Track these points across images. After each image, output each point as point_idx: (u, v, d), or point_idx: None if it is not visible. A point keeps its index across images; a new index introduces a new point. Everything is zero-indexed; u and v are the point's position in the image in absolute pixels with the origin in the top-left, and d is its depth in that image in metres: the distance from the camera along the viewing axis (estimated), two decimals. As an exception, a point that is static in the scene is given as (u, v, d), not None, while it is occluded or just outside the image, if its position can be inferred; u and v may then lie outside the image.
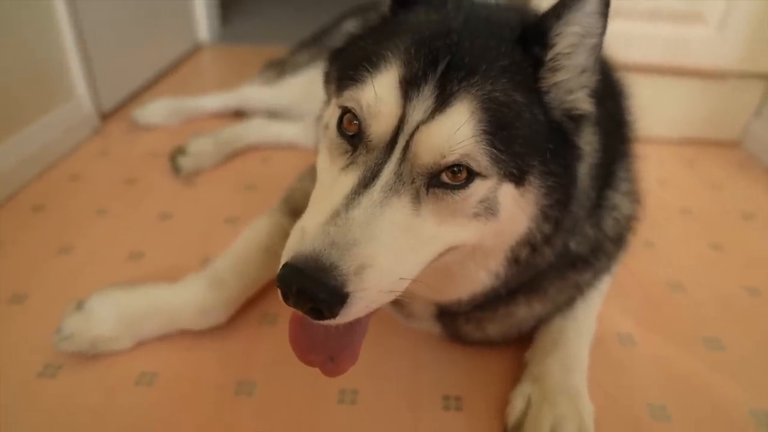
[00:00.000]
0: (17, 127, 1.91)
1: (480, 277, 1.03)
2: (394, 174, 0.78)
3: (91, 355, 1.25)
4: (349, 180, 0.79)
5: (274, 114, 2.33)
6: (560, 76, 0.88)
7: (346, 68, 0.90)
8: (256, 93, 2.41)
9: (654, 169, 2.21)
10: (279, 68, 2.41)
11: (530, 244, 0.98)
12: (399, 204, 0.78)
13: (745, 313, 1.51)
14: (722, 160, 2.38)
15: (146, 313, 1.28)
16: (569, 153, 0.92)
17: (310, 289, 0.69)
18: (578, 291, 1.27)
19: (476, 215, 0.85)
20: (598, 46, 0.87)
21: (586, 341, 1.27)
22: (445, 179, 0.80)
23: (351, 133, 0.84)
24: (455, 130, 0.77)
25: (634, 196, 1.28)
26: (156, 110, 2.40)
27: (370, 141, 0.82)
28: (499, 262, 1.00)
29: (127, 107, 2.55)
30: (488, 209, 0.85)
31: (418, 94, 0.79)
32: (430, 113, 0.78)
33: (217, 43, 3.69)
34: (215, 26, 3.76)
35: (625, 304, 1.50)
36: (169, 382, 1.22)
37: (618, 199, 1.21)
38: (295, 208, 1.45)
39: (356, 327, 0.83)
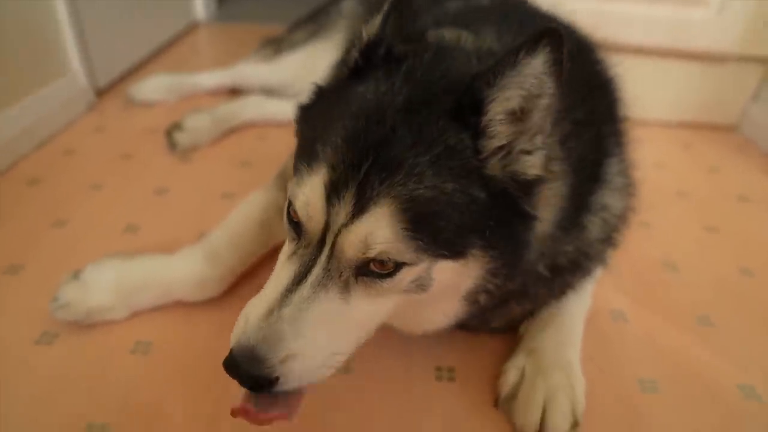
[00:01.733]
0: (10, 100, 1.89)
1: (440, 319, 1.07)
2: (323, 269, 0.84)
3: (87, 324, 1.26)
4: (288, 273, 0.86)
5: (270, 91, 2.32)
6: (498, 142, 0.84)
7: (298, 151, 0.95)
8: (252, 70, 2.39)
9: (650, 153, 2.21)
10: (276, 46, 2.39)
11: (484, 292, 0.99)
12: (326, 298, 0.84)
13: (738, 293, 1.52)
14: (719, 144, 2.38)
15: (142, 284, 1.28)
16: (517, 222, 0.89)
17: (243, 379, 0.83)
18: (569, 287, 1.25)
19: (406, 291, 0.88)
20: (552, 107, 0.82)
21: (580, 317, 1.28)
22: (374, 268, 0.84)
23: (296, 220, 0.89)
24: (371, 232, 0.80)
25: (629, 190, 1.24)
26: (152, 86, 2.38)
27: (306, 236, 0.87)
28: (455, 306, 1.02)
29: (122, 84, 2.53)
30: (420, 286, 0.88)
31: (339, 200, 0.81)
32: (350, 218, 0.81)
33: (213, 22, 3.66)
34: (212, 5, 3.73)
35: (618, 283, 1.52)
36: (163, 352, 1.23)
37: (608, 197, 1.17)
38: (288, 184, 1.45)
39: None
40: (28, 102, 1.95)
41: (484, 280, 0.94)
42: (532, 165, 0.86)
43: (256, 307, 0.85)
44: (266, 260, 1.45)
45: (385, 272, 0.83)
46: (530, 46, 0.75)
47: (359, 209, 0.80)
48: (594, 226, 1.15)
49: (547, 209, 0.97)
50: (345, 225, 0.81)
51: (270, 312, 0.83)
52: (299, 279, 0.84)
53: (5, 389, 1.14)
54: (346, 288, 0.85)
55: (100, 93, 2.41)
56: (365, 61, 0.95)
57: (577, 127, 1.03)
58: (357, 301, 0.86)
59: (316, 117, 0.96)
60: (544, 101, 0.81)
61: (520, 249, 0.92)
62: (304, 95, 1.03)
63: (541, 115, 0.82)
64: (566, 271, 1.17)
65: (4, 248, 1.50)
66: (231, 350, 0.83)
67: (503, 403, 1.14)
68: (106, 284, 1.26)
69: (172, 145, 1.99)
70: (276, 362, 0.81)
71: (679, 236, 1.76)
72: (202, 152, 2.04)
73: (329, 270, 0.84)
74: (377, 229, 0.79)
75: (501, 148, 0.84)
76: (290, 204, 0.89)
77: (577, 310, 1.28)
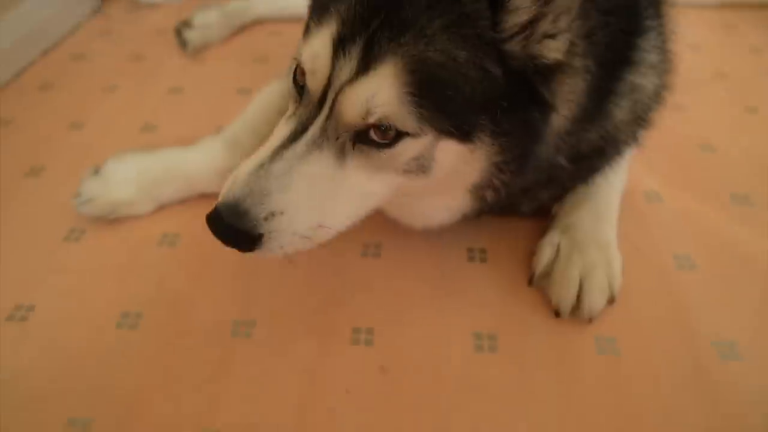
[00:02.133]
0: (9, 4, 1.81)
1: (442, 214, 1.04)
2: (320, 129, 0.81)
3: (112, 219, 1.25)
4: (283, 131, 0.83)
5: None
6: (518, 18, 0.77)
7: (310, 12, 0.89)
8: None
9: (687, 35, 2.06)
10: (284, -65, 2.23)
11: (490, 188, 0.95)
12: (319, 156, 0.81)
13: (777, 173, 1.45)
14: (764, 25, 2.21)
15: (164, 176, 1.27)
16: (533, 110, 0.84)
17: (225, 233, 0.81)
18: (598, 171, 1.19)
19: (406, 171, 0.85)
20: None
21: (616, 194, 1.23)
22: (373, 136, 0.80)
23: (301, 84, 0.85)
24: (374, 93, 0.76)
25: (665, 66, 1.14)
26: (158, -14, 2.26)
27: (309, 95, 0.83)
28: (458, 200, 0.99)
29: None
30: (420, 166, 0.84)
31: (345, 54, 0.77)
32: (354, 74, 0.77)
33: None
34: None
35: (652, 164, 1.45)
36: (190, 243, 1.23)
37: (640, 78, 1.07)
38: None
39: None
40: (27, 6, 1.86)
41: (490, 174, 0.90)
42: (554, 48, 0.80)
43: (247, 164, 0.83)
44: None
45: (385, 142, 0.80)
46: None
47: (363, 66, 0.77)
48: (622, 110, 1.07)
49: (565, 105, 0.90)
50: (349, 82, 0.78)
51: (260, 166, 0.81)
52: (294, 137, 0.82)
53: (40, 285, 1.15)
54: (342, 153, 0.82)
55: (104, -3, 2.31)
56: None
57: (605, 16, 0.92)
58: (353, 170, 0.84)
59: None
60: None
61: (532, 141, 0.87)
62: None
63: None
64: (592, 156, 1.11)
65: (24, 152, 1.49)
66: (215, 205, 0.82)
67: (538, 281, 1.12)
68: (127, 178, 1.25)
69: (182, 43, 1.91)
70: (260, 217, 0.79)
71: (716, 118, 1.66)
72: (215, 50, 1.95)
73: (326, 130, 0.81)
74: (380, 89, 0.76)
75: (522, 26, 0.78)
76: (297, 66, 0.86)
77: (612, 188, 1.23)
